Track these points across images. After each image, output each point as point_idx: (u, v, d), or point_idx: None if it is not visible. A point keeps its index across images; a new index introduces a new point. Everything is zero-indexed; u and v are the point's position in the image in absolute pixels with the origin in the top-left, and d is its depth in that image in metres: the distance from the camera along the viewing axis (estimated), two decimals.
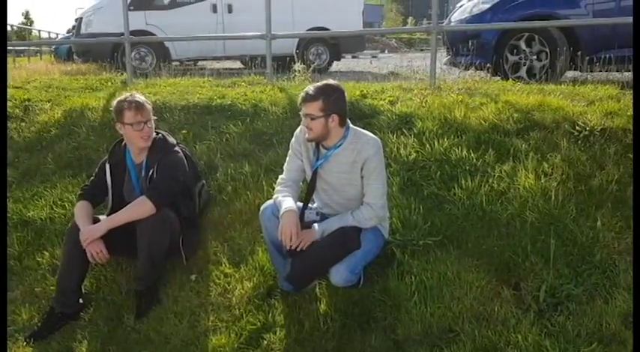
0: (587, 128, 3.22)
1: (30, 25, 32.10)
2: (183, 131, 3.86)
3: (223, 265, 2.83)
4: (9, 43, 7.91)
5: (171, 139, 2.92)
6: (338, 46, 9.24)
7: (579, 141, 3.19)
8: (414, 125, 3.53)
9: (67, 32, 17.23)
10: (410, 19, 39.24)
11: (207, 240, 3.02)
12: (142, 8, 7.96)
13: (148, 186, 2.72)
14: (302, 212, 2.52)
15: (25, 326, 2.70)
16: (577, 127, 3.26)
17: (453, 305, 2.37)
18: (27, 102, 4.64)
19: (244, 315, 2.52)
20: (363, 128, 2.62)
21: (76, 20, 8.91)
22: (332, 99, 2.37)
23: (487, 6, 5.10)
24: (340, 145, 2.45)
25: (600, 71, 4.45)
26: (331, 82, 2.44)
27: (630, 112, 3.28)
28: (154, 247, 2.63)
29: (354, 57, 13.72)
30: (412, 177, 3.13)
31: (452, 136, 3.35)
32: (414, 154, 3.26)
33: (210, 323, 2.53)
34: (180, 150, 2.88)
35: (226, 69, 8.32)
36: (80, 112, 4.31)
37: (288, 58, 6.91)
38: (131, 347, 2.49)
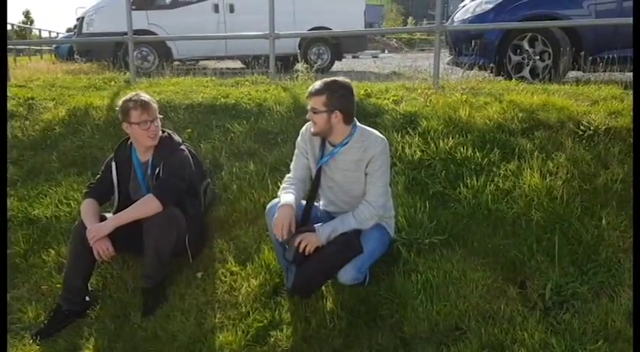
0: (592, 127, 3.24)
1: (30, 25, 32.09)
2: (188, 130, 3.87)
3: (229, 263, 2.84)
4: (9, 41, 7.90)
5: (177, 138, 2.92)
6: (339, 45, 9.24)
7: (584, 141, 3.20)
8: (419, 124, 3.53)
9: (67, 31, 17.25)
10: (410, 19, 39.18)
11: (212, 238, 3.03)
12: (144, 8, 7.96)
13: (154, 184, 2.73)
14: (306, 209, 2.51)
15: (31, 324, 2.71)
16: (581, 127, 3.27)
17: (459, 303, 2.37)
18: (31, 101, 4.65)
19: (251, 313, 2.53)
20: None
21: (78, 19, 8.89)
22: (336, 96, 2.36)
23: (490, 6, 5.12)
24: (346, 143, 2.44)
25: (603, 71, 4.46)
26: (340, 78, 2.43)
27: None
28: (160, 245, 2.64)
29: (354, 57, 13.73)
30: (417, 176, 3.14)
31: (457, 135, 3.36)
32: (419, 153, 3.27)
33: (216, 321, 2.54)
34: (186, 149, 2.89)
35: (228, 68, 8.31)
36: (84, 111, 4.32)
37: (291, 58, 6.91)
38: (138, 344, 2.49)
